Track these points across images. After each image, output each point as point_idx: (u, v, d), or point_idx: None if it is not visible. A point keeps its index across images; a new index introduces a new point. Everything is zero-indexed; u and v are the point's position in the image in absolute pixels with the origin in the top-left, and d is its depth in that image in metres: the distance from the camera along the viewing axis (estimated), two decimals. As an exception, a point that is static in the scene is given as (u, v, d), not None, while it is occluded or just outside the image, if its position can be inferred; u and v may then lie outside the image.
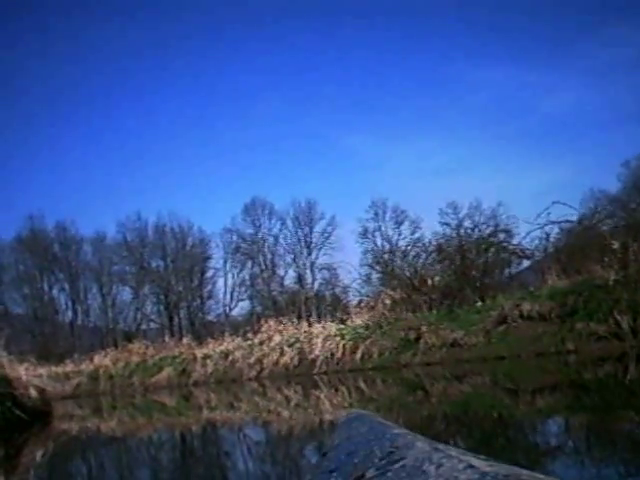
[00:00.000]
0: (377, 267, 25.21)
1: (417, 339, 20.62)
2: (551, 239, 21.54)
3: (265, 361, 25.38)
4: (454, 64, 61.24)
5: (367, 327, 22.80)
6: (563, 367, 14.95)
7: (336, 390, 16.37)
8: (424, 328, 20.47)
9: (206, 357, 27.72)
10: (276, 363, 25.03)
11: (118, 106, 64.99)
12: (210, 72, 64.22)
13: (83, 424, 15.02)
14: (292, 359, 24.56)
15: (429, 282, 22.06)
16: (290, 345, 25.10)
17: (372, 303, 24.21)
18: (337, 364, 22.90)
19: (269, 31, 63.05)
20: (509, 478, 1.34)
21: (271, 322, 27.75)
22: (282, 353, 25.05)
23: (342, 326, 24.21)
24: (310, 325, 26.21)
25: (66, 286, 50.85)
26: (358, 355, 22.14)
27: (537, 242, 21.67)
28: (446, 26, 59.85)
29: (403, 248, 23.30)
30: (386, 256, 23.97)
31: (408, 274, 22.72)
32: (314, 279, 50.46)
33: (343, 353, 22.79)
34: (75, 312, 50.93)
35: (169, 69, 65.20)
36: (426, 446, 1.80)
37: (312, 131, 64.92)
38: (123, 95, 66.41)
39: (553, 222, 20.41)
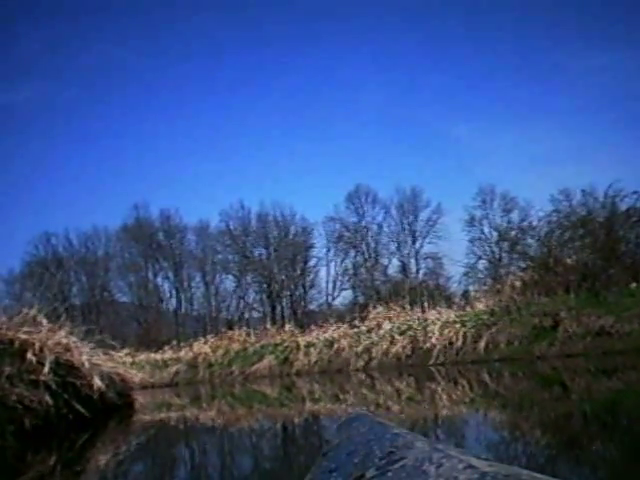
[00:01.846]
0: (504, 245, 21.36)
1: (554, 327, 17.03)
2: None
3: (374, 350, 22.31)
4: (565, 49, 56.31)
5: (492, 313, 19.28)
6: None
7: (455, 383, 14.24)
8: (563, 314, 16.83)
9: (310, 345, 24.83)
10: (386, 353, 21.92)
11: (221, 95, 62.79)
12: (314, 60, 61.32)
13: (179, 414, 13.23)
14: (404, 348, 21.36)
15: (567, 261, 18.28)
16: (402, 333, 21.86)
17: (498, 286, 20.56)
18: (456, 354, 19.55)
19: (371, 22, 59.62)
20: (509, 478, 1.26)
21: (380, 308, 24.53)
22: (393, 342, 21.88)
23: (462, 312, 20.78)
24: (424, 311, 22.82)
25: (170, 274, 49.24)
26: (481, 344, 18.72)
27: None
28: (558, 11, 54.97)
29: (535, 223, 19.31)
30: (513, 233, 19.99)
31: (540, 253, 18.98)
32: (418, 268, 47.54)
33: (464, 342, 19.41)
34: (179, 300, 49.20)
35: (272, 58, 62.57)
36: (426, 446, 1.72)
37: (417, 119, 61.12)
38: (225, 84, 64.00)
39: None
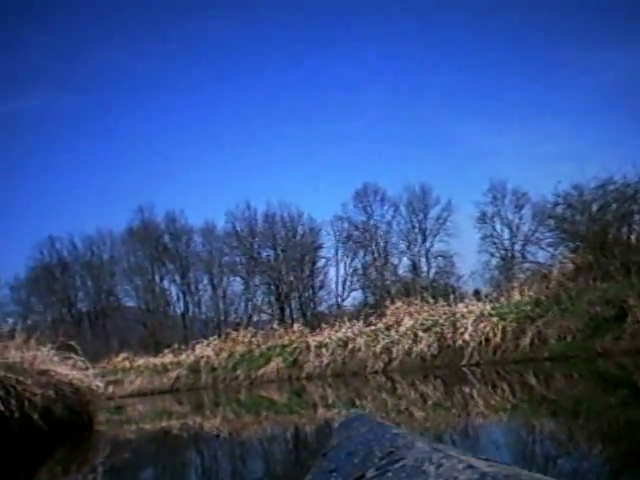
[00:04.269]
0: (550, 222, 17.46)
1: (620, 317, 13.15)
2: None
3: (394, 350, 18.55)
4: (566, 48, 52.76)
5: (537, 303, 15.39)
6: None
7: (493, 386, 11.93)
8: (632, 301, 12.94)
9: (321, 346, 21.02)
10: (408, 352, 18.17)
11: (227, 96, 59.21)
12: (321, 61, 57.79)
13: (177, 424, 11.12)
14: (430, 347, 17.55)
15: (631, 239, 14.39)
16: (426, 330, 18.02)
17: (545, 271, 16.64)
18: (494, 353, 15.74)
19: (376, 22, 56.16)
20: (509, 478, 1.22)
21: (399, 303, 20.65)
22: (416, 340, 18.07)
23: (498, 304, 16.92)
24: (450, 305, 18.91)
25: (177, 277, 45.73)
26: (526, 341, 14.89)
27: None
28: (558, 10, 51.51)
29: (584, 198, 15.36)
30: (559, 209, 16.10)
31: (593, 231, 15.11)
32: (429, 267, 44.16)
33: (503, 338, 15.58)
34: (186, 304, 45.65)
35: (278, 61, 59.42)
36: (426, 446, 1.67)
37: (423, 118, 57.59)
38: (230, 85, 60.48)
39: None
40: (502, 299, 17.57)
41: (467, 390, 11.73)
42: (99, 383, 9.72)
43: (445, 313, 18.18)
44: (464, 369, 15.79)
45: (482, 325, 16.04)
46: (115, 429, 11.25)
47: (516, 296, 16.91)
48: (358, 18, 54.39)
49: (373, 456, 1.77)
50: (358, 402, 11.75)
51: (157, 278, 45.87)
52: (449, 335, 17.10)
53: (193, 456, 7.25)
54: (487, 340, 15.89)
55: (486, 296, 19.40)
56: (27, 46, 55.54)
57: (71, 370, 9.28)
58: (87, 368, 9.96)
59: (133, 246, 45.54)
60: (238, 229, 44.87)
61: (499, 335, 15.63)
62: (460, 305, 18.43)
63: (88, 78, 58.93)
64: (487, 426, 6.84)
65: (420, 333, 18.06)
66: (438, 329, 17.59)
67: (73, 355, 10.10)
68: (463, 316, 17.05)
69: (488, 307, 16.79)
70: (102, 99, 60.88)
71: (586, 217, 15.35)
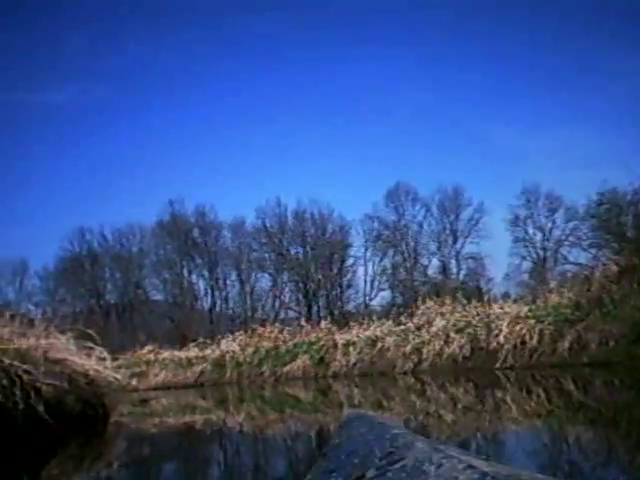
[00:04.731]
0: (593, 221, 16.70)
1: (667, 322, 12.40)
2: None
3: (424, 350, 17.88)
4: (607, 51, 51.57)
5: (577, 306, 14.63)
6: None
7: (528, 391, 11.21)
8: (681, 305, 12.21)
9: (348, 344, 20.40)
10: (439, 354, 17.48)
11: (259, 93, 59.16)
12: (350, 60, 57.49)
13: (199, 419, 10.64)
14: (462, 348, 16.85)
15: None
16: (458, 331, 17.32)
17: (586, 273, 15.88)
18: (530, 357, 14.99)
19: (410, 22, 55.58)
20: (509, 478, 1.22)
21: (430, 302, 19.96)
22: (448, 341, 17.39)
23: (534, 306, 16.17)
24: (484, 306, 18.17)
25: (205, 272, 45.50)
26: (564, 345, 14.12)
27: None
28: (591, 15, 50.49)
29: (630, 199, 14.60)
30: (602, 209, 15.32)
31: (638, 233, 14.34)
32: (459, 269, 43.80)
33: (539, 342, 14.80)
34: (214, 299, 45.39)
35: (310, 60, 58.93)
36: (426, 446, 1.65)
37: (457, 119, 56.94)
38: (263, 82, 60.27)
39: None
40: (538, 301, 16.82)
41: (500, 394, 11.00)
42: (117, 375, 9.20)
43: (478, 314, 17.47)
44: (497, 372, 15.11)
45: (518, 327, 15.31)
46: (136, 422, 10.87)
47: (554, 298, 16.16)
48: (391, 18, 53.91)
49: (373, 456, 1.75)
50: (385, 403, 11.26)
51: (185, 272, 45.79)
52: (482, 337, 16.38)
53: (215, 452, 6.83)
54: (523, 343, 15.15)
55: (521, 298, 18.73)
56: (64, 40, 55.99)
57: (88, 360, 8.80)
58: (105, 359, 9.45)
59: (162, 239, 45.47)
60: (268, 225, 44.64)
61: (536, 338, 14.89)
62: (495, 306, 17.72)
63: (122, 72, 59.37)
64: (519, 433, 6.44)
65: (452, 334, 17.37)
66: (471, 330, 16.88)
67: (91, 344, 9.63)
68: (498, 317, 16.33)
69: (525, 309, 16.06)
70: (135, 93, 61.06)
71: (631, 218, 14.57)
